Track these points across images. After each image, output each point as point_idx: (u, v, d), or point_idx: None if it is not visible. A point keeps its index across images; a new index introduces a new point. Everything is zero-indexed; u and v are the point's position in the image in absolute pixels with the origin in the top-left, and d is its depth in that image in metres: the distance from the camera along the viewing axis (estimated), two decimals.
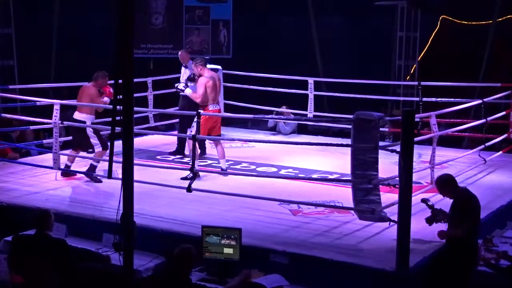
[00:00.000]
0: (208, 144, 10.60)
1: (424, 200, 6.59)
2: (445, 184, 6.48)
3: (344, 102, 12.32)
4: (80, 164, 9.14)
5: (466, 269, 6.29)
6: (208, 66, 12.36)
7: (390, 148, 6.58)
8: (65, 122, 8.73)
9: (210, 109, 8.79)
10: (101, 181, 8.50)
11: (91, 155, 8.66)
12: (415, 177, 6.28)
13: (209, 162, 9.72)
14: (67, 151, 9.00)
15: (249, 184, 8.06)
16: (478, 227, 6.42)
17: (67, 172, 8.77)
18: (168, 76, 11.32)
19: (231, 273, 6.20)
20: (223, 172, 8.76)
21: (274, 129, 12.08)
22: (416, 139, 6.38)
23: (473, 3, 13.50)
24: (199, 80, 8.91)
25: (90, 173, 8.57)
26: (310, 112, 11.57)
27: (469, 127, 9.62)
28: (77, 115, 8.70)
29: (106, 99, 8.73)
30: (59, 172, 8.73)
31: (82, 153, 8.80)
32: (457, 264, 6.24)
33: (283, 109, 11.91)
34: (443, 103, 10.45)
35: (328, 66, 14.80)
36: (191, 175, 8.21)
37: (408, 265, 5.85)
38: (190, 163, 7.76)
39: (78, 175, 8.73)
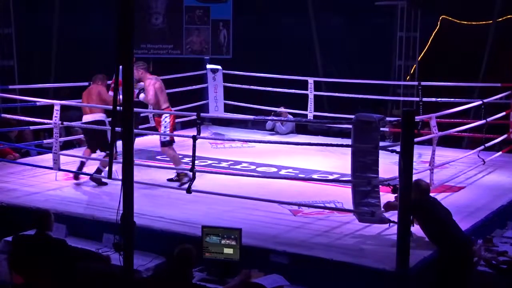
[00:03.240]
0: (208, 144, 10.62)
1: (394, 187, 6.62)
2: (419, 191, 6.46)
3: (344, 102, 12.32)
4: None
5: (460, 270, 6.28)
6: (208, 66, 12.47)
7: (390, 148, 6.58)
8: (68, 123, 8.61)
9: (165, 107, 8.52)
10: (106, 184, 8.35)
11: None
12: (415, 178, 6.28)
13: (209, 162, 9.73)
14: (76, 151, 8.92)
15: (249, 184, 8.06)
16: (453, 230, 6.39)
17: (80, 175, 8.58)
18: (168, 76, 11.32)
19: (231, 273, 6.21)
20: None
21: (272, 130, 12.11)
22: (416, 139, 6.38)
23: (473, 3, 13.49)
24: (145, 84, 8.47)
25: (96, 175, 8.38)
26: (310, 112, 11.56)
27: (469, 127, 9.63)
28: (92, 117, 8.56)
29: (111, 93, 8.48)
30: (59, 172, 8.70)
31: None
32: (450, 266, 6.24)
33: (281, 109, 11.92)
34: (443, 103, 10.46)
35: (328, 66, 14.79)
36: (177, 178, 8.27)
37: (408, 265, 5.85)
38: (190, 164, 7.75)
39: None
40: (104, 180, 8.32)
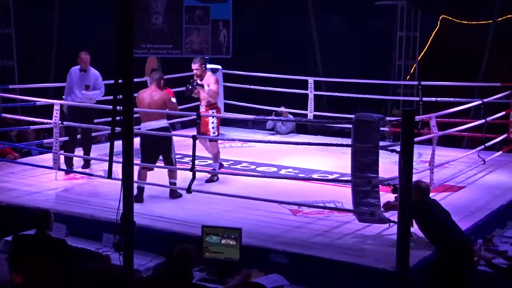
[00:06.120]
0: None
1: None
2: (419, 192, 6.45)
3: (344, 102, 12.32)
4: (79, 164, 9.15)
5: (460, 270, 6.27)
6: (208, 66, 12.45)
7: (390, 148, 6.58)
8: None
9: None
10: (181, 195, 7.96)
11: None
12: (415, 178, 6.27)
13: (209, 162, 9.71)
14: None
15: (249, 184, 8.06)
16: (453, 232, 6.38)
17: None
18: (169, 76, 11.31)
19: (231, 273, 6.20)
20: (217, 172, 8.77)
21: (273, 130, 12.11)
22: (416, 139, 6.38)
23: (473, 3, 13.50)
24: (209, 78, 8.73)
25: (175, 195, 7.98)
26: (310, 112, 11.56)
27: (469, 127, 9.63)
28: (156, 123, 7.85)
29: (174, 99, 8.07)
30: (59, 172, 8.69)
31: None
32: (450, 266, 6.24)
33: (282, 109, 11.92)
34: (443, 103, 10.46)
35: (328, 66, 14.80)
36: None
37: (408, 265, 5.85)
38: (190, 163, 7.74)
39: (78, 176, 8.72)
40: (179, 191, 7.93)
